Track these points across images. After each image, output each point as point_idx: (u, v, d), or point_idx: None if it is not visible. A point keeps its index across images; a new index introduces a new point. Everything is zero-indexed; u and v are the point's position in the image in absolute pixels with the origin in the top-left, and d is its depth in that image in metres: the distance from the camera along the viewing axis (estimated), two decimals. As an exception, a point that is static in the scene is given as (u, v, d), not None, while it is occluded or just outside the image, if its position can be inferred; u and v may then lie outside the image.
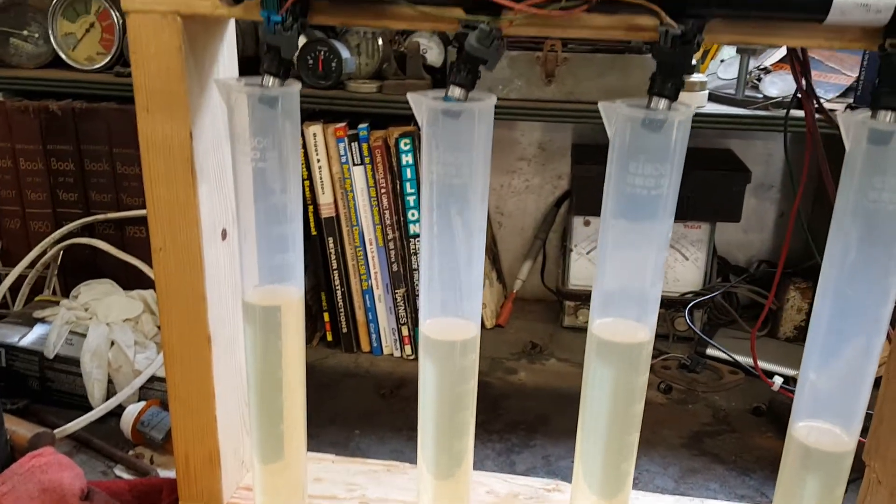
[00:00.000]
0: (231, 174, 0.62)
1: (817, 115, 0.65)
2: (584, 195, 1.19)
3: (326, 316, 1.17)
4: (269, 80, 0.56)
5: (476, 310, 0.59)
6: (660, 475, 0.90)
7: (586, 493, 0.64)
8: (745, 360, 1.14)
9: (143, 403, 0.93)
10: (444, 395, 0.60)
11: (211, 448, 0.72)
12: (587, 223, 1.22)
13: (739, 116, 1.01)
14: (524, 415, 1.01)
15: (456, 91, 0.53)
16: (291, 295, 0.61)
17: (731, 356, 1.11)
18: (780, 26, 0.51)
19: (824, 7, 0.48)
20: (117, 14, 1.11)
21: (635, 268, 0.55)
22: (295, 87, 0.56)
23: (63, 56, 1.14)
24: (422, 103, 0.53)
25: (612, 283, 0.56)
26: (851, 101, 1.04)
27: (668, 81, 0.51)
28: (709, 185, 1.14)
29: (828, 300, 0.54)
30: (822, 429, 0.58)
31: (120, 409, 0.94)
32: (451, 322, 0.59)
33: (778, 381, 0.84)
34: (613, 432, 0.60)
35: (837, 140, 0.51)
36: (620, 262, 0.55)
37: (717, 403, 1.06)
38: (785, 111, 0.96)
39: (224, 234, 0.69)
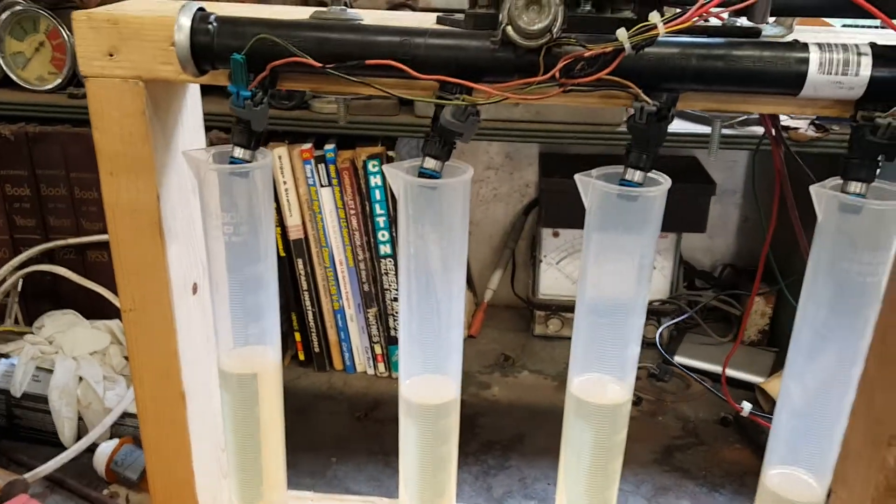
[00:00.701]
0: (201, 227, 0.61)
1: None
2: (552, 208, 1.19)
3: (298, 336, 1.16)
4: (240, 153, 0.54)
5: (456, 369, 0.59)
6: (633, 494, 0.92)
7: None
8: (712, 367, 1.17)
9: (115, 442, 0.92)
10: (426, 457, 0.60)
11: (189, 500, 0.72)
12: (556, 234, 1.22)
13: (707, 135, 1.02)
14: (499, 434, 1.02)
15: (431, 163, 0.53)
16: (268, 360, 0.60)
17: (694, 375, 1.13)
18: (753, 97, 0.52)
19: (798, 83, 0.49)
20: (67, 33, 1.08)
21: (613, 333, 0.55)
22: (267, 158, 0.55)
23: (12, 76, 1.10)
24: (398, 177, 0.52)
25: (591, 347, 0.56)
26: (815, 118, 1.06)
27: (644, 154, 0.51)
28: (675, 197, 1.15)
29: (800, 357, 0.55)
30: (792, 476, 0.59)
31: (93, 445, 0.93)
32: (431, 380, 0.59)
33: (747, 407, 0.86)
34: (594, 483, 0.61)
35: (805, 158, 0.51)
36: (598, 329, 0.55)
37: (685, 414, 1.08)
38: (754, 135, 0.97)
39: (195, 289, 0.68)
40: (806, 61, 0.48)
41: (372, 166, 1.05)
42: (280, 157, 1.06)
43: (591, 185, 0.52)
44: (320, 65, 0.48)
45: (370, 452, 0.98)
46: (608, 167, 0.54)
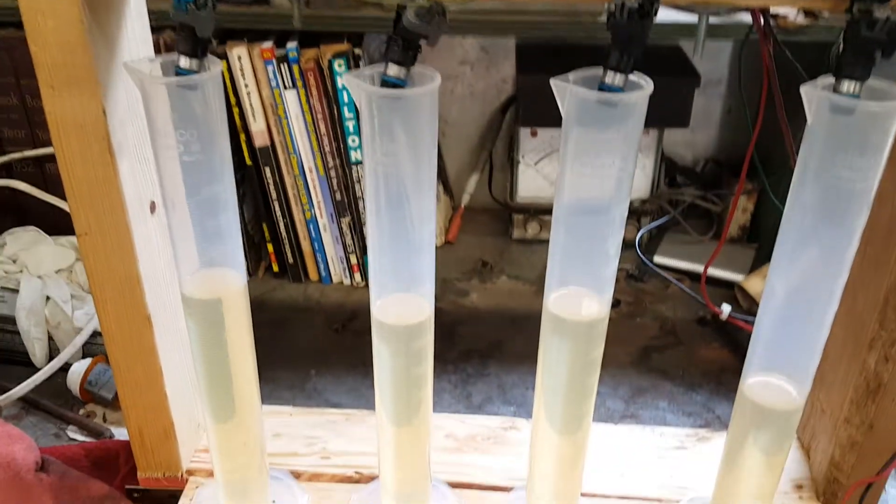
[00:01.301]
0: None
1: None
2: (530, 106, 1.14)
3: (270, 247, 1.13)
4: (187, 62, 0.50)
5: (429, 289, 0.57)
6: (610, 396, 0.92)
7: (547, 431, 0.63)
8: (692, 266, 1.16)
9: (88, 361, 0.90)
10: (400, 377, 0.59)
11: (165, 423, 0.71)
12: (534, 134, 1.18)
13: (693, 25, 0.97)
14: (478, 341, 1.01)
15: (394, 69, 0.49)
16: (233, 284, 0.58)
17: (671, 279, 1.12)
18: (742, -10, 0.48)
19: (791, -27, 0.45)
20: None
21: (592, 247, 0.53)
22: (217, 68, 0.50)
23: (-52, -23, 1.02)
24: (358, 87, 0.48)
25: (569, 258, 0.54)
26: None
27: (625, 55, 0.48)
28: (657, 91, 1.10)
29: (784, 264, 0.53)
30: (772, 385, 0.59)
31: (65, 365, 0.91)
32: (403, 299, 0.57)
33: (726, 309, 0.85)
34: (571, 397, 0.60)
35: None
36: (576, 243, 0.53)
37: (664, 314, 1.08)
38: (741, 24, 0.93)
39: (153, 207, 0.65)
40: (801, -51, 0.44)
41: (338, 66, 1.00)
42: (240, 58, 1.00)
43: (567, 91, 0.48)
44: (266, -36, 0.43)
45: (349, 364, 0.97)
46: (586, 69, 0.50)
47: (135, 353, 0.67)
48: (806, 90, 0.47)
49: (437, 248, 1.20)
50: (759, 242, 1.20)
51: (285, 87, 1.01)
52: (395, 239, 0.53)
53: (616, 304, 1.09)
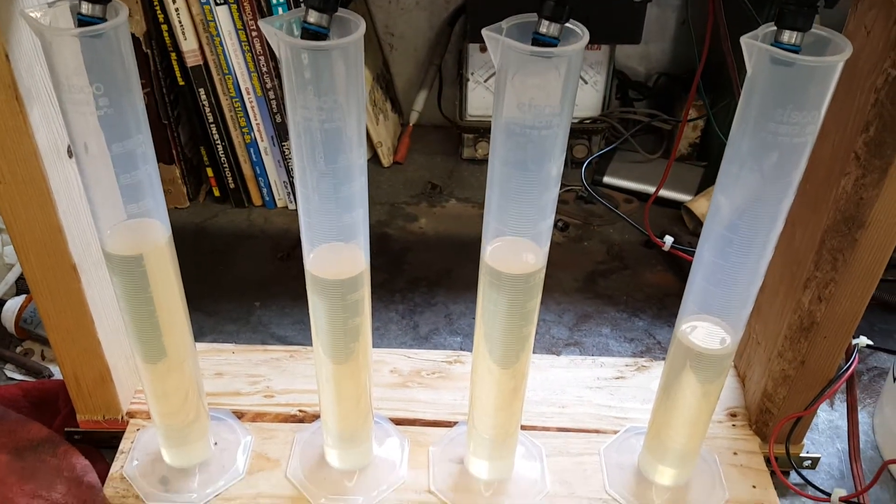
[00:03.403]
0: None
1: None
2: (479, 20, 1.09)
3: (210, 171, 1.09)
4: (89, 8, 0.46)
5: (364, 242, 0.55)
6: (555, 324, 0.93)
7: (487, 361, 0.63)
8: (641, 186, 1.15)
9: (22, 298, 0.87)
10: (338, 328, 0.58)
11: (100, 368, 0.70)
12: (484, 49, 1.14)
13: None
14: (426, 269, 1.01)
15: (315, 16, 0.46)
16: (156, 237, 0.55)
17: (616, 212, 1.11)
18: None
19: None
20: None
21: (528, 202, 0.51)
22: (122, 14, 0.46)
23: None
24: (275, 36, 0.45)
25: (504, 211, 0.53)
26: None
27: (560, 4, 0.45)
28: (608, 6, 1.07)
29: (719, 217, 0.53)
30: (706, 328, 0.59)
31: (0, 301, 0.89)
32: (337, 250, 0.55)
33: (668, 240, 0.85)
34: (509, 341, 0.60)
35: None
36: (515, 203, 0.51)
37: (611, 237, 1.08)
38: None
39: (70, 152, 0.61)
40: None
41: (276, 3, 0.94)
42: (167, -25, 0.93)
43: (500, 44, 0.45)
44: None
45: (294, 295, 0.96)
46: (520, 16, 0.47)
47: (63, 302, 0.65)
48: (746, 42, 0.45)
49: (385, 168, 1.19)
50: (708, 161, 1.19)
51: (216, 3, 0.95)
52: (324, 197, 0.51)
53: (564, 227, 1.09)
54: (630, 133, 1.19)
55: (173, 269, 0.58)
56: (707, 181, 1.14)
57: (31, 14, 0.45)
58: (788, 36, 0.45)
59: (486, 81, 1.17)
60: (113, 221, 0.54)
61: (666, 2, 1.23)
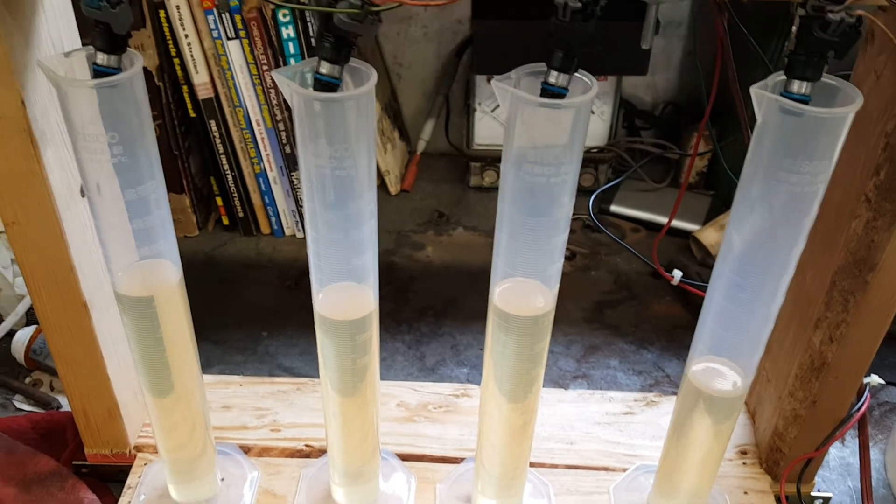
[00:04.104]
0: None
1: None
2: (485, 53, 1.10)
3: (220, 200, 1.10)
4: (104, 59, 0.46)
5: (373, 282, 0.55)
6: (563, 356, 0.93)
7: (496, 397, 0.63)
8: (648, 215, 1.15)
9: (32, 328, 0.88)
10: (346, 367, 0.58)
11: (108, 404, 0.70)
12: (490, 80, 1.14)
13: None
14: (432, 299, 1.01)
15: (327, 67, 0.46)
16: (167, 279, 0.56)
17: (621, 243, 1.11)
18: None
19: (744, -27, 0.42)
20: None
21: (537, 247, 0.51)
22: (137, 64, 0.47)
23: None
24: (287, 86, 0.45)
25: (513, 253, 0.53)
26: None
27: (569, 56, 0.45)
28: (615, 38, 1.07)
29: (729, 261, 0.53)
30: (717, 370, 0.59)
31: (10, 331, 0.89)
32: (347, 290, 0.56)
33: (677, 275, 0.85)
34: (518, 381, 0.59)
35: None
36: (525, 243, 0.51)
37: (619, 267, 1.08)
38: None
39: (83, 192, 0.62)
40: (755, -54, 0.41)
41: (282, 16, 0.95)
42: (178, 8, 0.94)
43: (509, 94, 0.46)
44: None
45: (302, 324, 0.96)
46: (530, 66, 0.48)
47: (73, 339, 0.66)
48: (756, 91, 0.46)
49: (392, 196, 1.20)
50: (716, 190, 1.19)
51: (228, 38, 0.96)
52: (334, 240, 0.51)
53: (571, 256, 1.09)
54: (639, 164, 1.20)
55: (184, 308, 0.58)
56: (714, 210, 1.14)
57: (48, 64, 0.46)
58: (798, 86, 0.46)
59: (493, 111, 1.18)
60: (125, 263, 0.54)
61: (672, 33, 1.24)
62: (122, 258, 0.54)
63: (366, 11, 0.42)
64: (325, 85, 0.46)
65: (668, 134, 1.26)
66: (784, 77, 0.46)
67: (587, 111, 0.46)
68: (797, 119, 0.45)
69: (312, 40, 0.96)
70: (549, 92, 0.46)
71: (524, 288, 0.55)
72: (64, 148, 0.58)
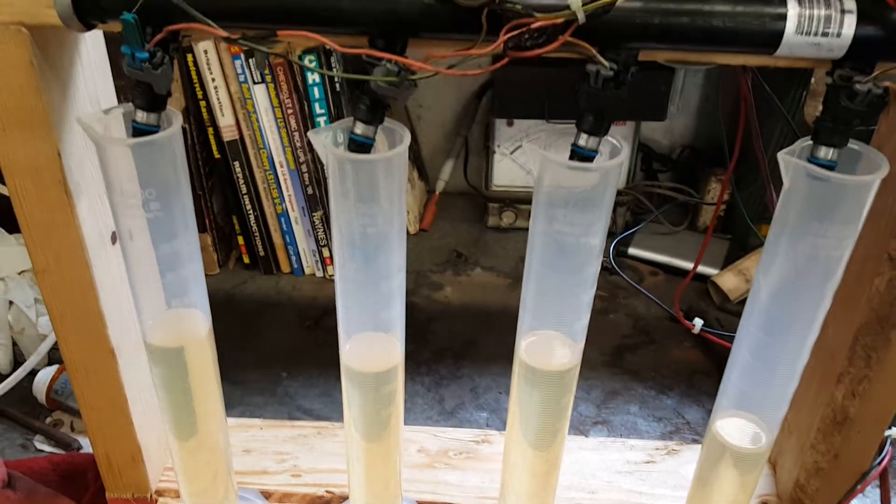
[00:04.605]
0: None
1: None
2: (505, 97, 1.12)
3: (241, 239, 1.11)
4: (143, 116, 0.48)
5: (400, 333, 0.56)
6: (583, 401, 0.93)
7: (521, 444, 0.63)
8: (666, 259, 1.16)
9: (54, 368, 0.89)
10: (370, 417, 0.59)
11: (132, 449, 0.70)
12: (510, 123, 1.16)
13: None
14: (451, 340, 1.01)
15: (362, 128, 0.47)
16: (197, 330, 0.56)
17: (639, 288, 1.12)
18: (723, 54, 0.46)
19: (772, 43, 0.43)
20: None
21: (565, 301, 0.52)
22: (176, 124, 0.48)
23: None
24: (322, 146, 0.46)
25: (540, 308, 0.53)
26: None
27: (599, 120, 0.46)
28: (634, 85, 1.09)
29: (754, 320, 0.53)
30: (742, 425, 0.59)
31: (31, 371, 0.90)
32: (374, 340, 0.56)
33: (698, 323, 0.85)
34: (542, 435, 0.60)
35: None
36: (553, 300, 0.52)
37: (637, 311, 1.08)
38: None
39: (114, 238, 0.63)
40: (783, 18, 0.42)
41: (308, 61, 0.97)
42: (206, 52, 0.96)
43: (539, 156, 0.47)
44: (225, 34, 0.41)
45: (322, 364, 0.97)
46: (559, 125, 0.49)
47: (99, 384, 0.66)
48: (783, 157, 0.46)
49: (411, 235, 1.20)
50: (734, 234, 1.19)
51: (254, 82, 0.98)
52: (363, 293, 0.52)
53: (589, 299, 1.09)
54: (659, 211, 1.20)
55: (212, 357, 0.59)
56: (732, 254, 1.15)
57: (88, 121, 0.47)
58: (825, 152, 0.46)
59: (511, 153, 1.19)
60: (155, 313, 0.55)
61: (689, 78, 1.25)
62: (153, 308, 0.55)
63: (402, 78, 0.43)
64: (360, 145, 0.47)
65: (685, 177, 1.27)
66: (811, 142, 0.47)
67: (617, 173, 0.47)
68: (823, 184, 0.46)
69: (337, 85, 0.97)
70: (579, 154, 0.47)
71: (551, 342, 0.55)
72: (97, 197, 0.59)
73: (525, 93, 1.07)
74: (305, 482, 0.76)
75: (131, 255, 0.52)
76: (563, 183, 0.47)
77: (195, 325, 0.56)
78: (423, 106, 1.28)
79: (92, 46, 0.56)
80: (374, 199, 0.47)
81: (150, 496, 0.74)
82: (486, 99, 1.24)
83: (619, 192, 1.20)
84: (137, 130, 0.48)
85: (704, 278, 1.11)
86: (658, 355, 1.00)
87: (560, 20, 0.39)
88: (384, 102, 0.46)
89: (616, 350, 1.01)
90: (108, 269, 0.62)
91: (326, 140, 0.47)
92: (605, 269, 1.15)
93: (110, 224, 0.62)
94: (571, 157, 0.47)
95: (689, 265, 1.12)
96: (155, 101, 0.47)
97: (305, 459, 0.78)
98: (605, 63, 0.43)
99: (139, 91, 0.47)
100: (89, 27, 0.46)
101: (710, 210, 1.21)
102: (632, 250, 1.17)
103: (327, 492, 0.75)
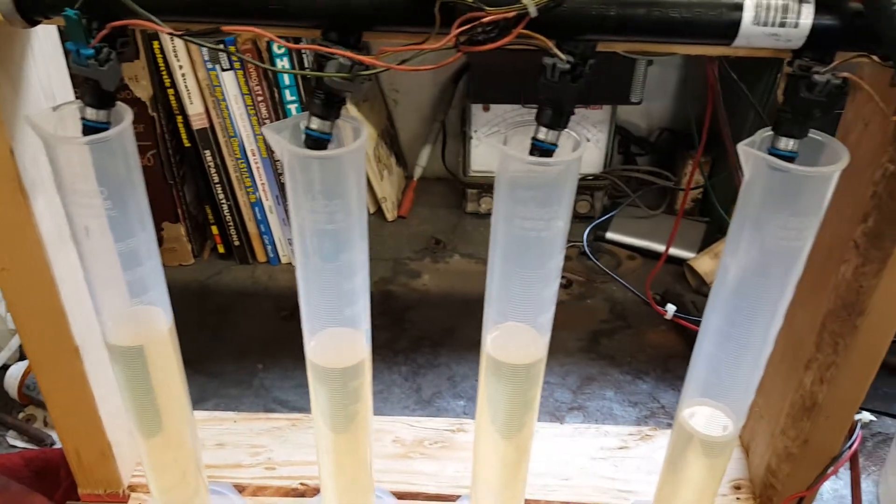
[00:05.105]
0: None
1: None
2: (480, 84, 1.11)
3: (215, 229, 1.10)
4: (93, 114, 0.46)
5: (366, 329, 0.55)
6: (559, 387, 0.93)
7: (489, 440, 0.63)
8: (644, 242, 1.16)
9: (26, 363, 0.88)
10: (338, 412, 0.58)
11: (101, 444, 0.70)
12: (486, 108, 1.15)
13: None
14: (429, 328, 1.01)
15: (317, 123, 0.46)
16: (157, 327, 0.56)
17: (613, 276, 1.12)
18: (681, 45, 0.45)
19: (729, 34, 0.43)
20: None
21: (529, 296, 0.51)
22: (127, 119, 0.47)
23: None
24: (277, 143, 0.45)
25: (504, 302, 0.53)
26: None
27: (557, 114, 0.45)
28: (609, 69, 1.08)
29: (719, 311, 0.53)
30: (709, 413, 0.59)
31: (2, 366, 0.89)
32: (339, 336, 0.56)
33: (671, 309, 0.85)
34: (511, 425, 0.60)
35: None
36: (516, 293, 0.52)
37: (614, 295, 1.08)
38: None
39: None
40: (739, 8, 0.42)
41: (277, 48, 0.95)
42: (172, 39, 0.95)
43: (499, 151, 0.46)
44: (169, 30, 0.40)
45: (298, 355, 0.93)
46: (521, 127, 0.48)
47: (65, 382, 0.65)
48: (743, 148, 0.46)
49: (389, 223, 1.20)
50: (711, 217, 1.19)
51: (222, 69, 0.96)
52: (326, 291, 0.51)
53: (567, 284, 1.09)
54: (636, 194, 1.20)
55: (174, 355, 0.58)
56: (709, 237, 1.15)
57: (36, 119, 0.46)
58: (785, 143, 0.46)
59: (488, 138, 1.18)
60: (115, 312, 0.54)
61: (667, 61, 1.24)
62: (112, 307, 0.54)
63: (354, 74, 0.43)
64: (316, 140, 0.46)
65: (664, 160, 1.27)
66: (771, 133, 0.47)
67: (577, 167, 0.46)
68: (784, 175, 0.45)
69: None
70: (539, 147, 0.47)
71: (516, 335, 0.55)
72: (55, 194, 0.58)
73: (501, 78, 1.06)
74: (279, 475, 0.76)
75: (87, 254, 0.51)
76: (522, 177, 0.47)
77: (156, 323, 0.56)
78: (400, 91, 1.27)
79: (44, 38, 0.54)
80: (331, 195, 0.47)
81: (123, 492, 0.74)
82: (463, 83, 1.23)
83: (596, 177, 1.20)
84: (87, 128, 0.47)
85: (681, 262, 1.11)
86: (634, 340, 1.00)
87: (512, 14, 0.38)
88: (339, 97, 0.46)
89: (593, 335, 1.01)
90: (69, 267, 0.61)
91: (282, 136, 0.46)
92: (583, 255, 1.14)
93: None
94: (532, 151, 0.47)
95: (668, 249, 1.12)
96: (103, 98, 0.46)
97: (280, 452, 0.78)
98: (562, 56, 0.42)
99: (87, 88, 0.46)
100: (33, 23, 0.44)
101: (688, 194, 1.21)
102: (609, 234, 1.16)
103: (301, 484, 0.75)
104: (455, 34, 0.40)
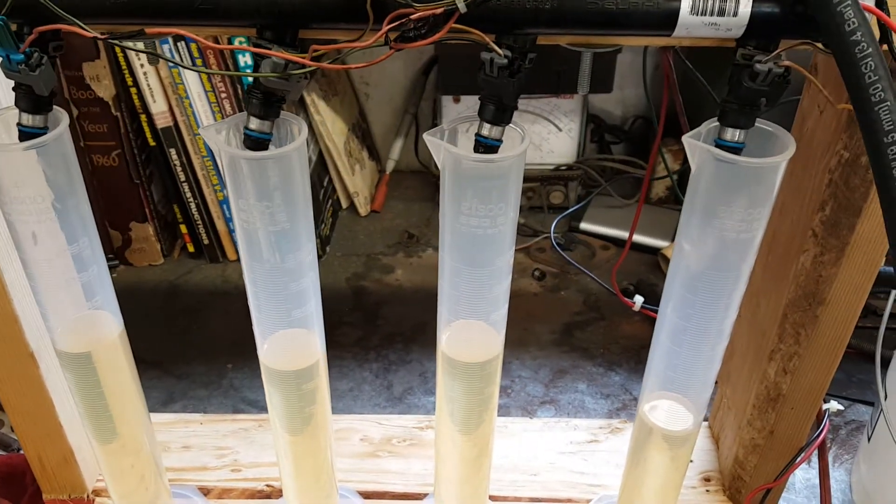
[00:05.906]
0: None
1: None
2: (450, 75, 1.10)
3: (184, 228, 1.09)
4: (29, 119, 0.45)
5: (319, 328, 0.55)
6: (531, 380, 0.93)
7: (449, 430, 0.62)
8: (618, 232, 1.15)
9: (-10, 369, 0.87)
10: (294, 415, 0.58)
11: (63, 449, 0.69)
12: (457, 100, 1.14)
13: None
14: (401, 324, 1.00)
15: (256, 123, 0.45)
16: (107, 333, 0.55)
17: (581, 270, 1.11)
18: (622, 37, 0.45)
19: (668, 24, 0.42)
20: None
21: (480, 295, 0.51)
22: (62, 124, 0.46)
23: None
24: (215, 142, 0.45)
25: (456, 302, 0.52)
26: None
27: (499, 109, 0.45)
28: (579, 58, 1.07)
29: (672, 305, 0.52)
30: (669, 406, 0.59)
31: (-32, 371, 0.88)
32: (293, 336, 0.55)
33: (638, 300, 0.84)
34: (469, 423, 0.59)
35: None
36: (466, 291, 0.51)
37: (588, 286, 1.07)
38: None
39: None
40: (677, -1, 0.41)
41: (238, 42, 0.94)
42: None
43: (441, 148, 0.45)
44: (92, 34, 0.39)
45: (267, 354, 0.95)
46: (462, 118, 0.47)
47: (23, 388, 0.65)
48: (688, 141, 0.45)
49: (362, 217, 1.19)
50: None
51: (184, 67, 0.95)
52: (274, 294, 0.50)
53: (541, 276, 1.08)
54: (607, 183, 1.19)
55: (126, 360, 0.58)
56: (684, 226, 1.14)
57: (-30, 126, 0.45)
58: (731, 133, 0.45)
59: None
60: (62, 318, 0.53)
61: (639, 49, 1.24)
62: (59, 314, 0.53)
63: (286, 74, 0.42)
64: (255, 141, 0.46)
65: (638, 148, 1.26)
66: (717, 124, 0.46)
67: (521, 162, 0.45)
68: (730, 167, 0.45)
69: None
70: (483, 144, 0.46)
71: (471, 333, 0.54)
72: (2, 200, 0.57)
73: (470, 69, 1.04)
74: (245, 477, 0.75)
75: (30, 261, 0.50)
76: (466, 174, 0.46)
77: (105, 328, 0.55)
78: (370, 84, 1.25)
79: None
80: (272, 196, 0.46)
81: (87, 496, 0.73)
82: (434, 74, 1.22)
83: (569, 167, 1.19)
84: (24, 133, 0.46)
85: (655, 251, 1.11)
86: (608, 331, 1.00)
87: (440, 10, 0.38)
88: (278, 96, 0.45)
89: (566, 328, 1.00)
90: (20, 272, 0.60)
91: (221, 136, 0.45)
92: (557, 245, 1.14)
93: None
94: (476, 148, 0.46)
95: (640, 238, 1.11)
96: (39, 103, 0.45)
97: (246, 454, 0.77)
98: (499, 51, 0.42)
99: (21, 93, 0.45)
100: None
101: (661, 183, 1.20)
102: (584, 225, 1.16)
103: (267, 485, 0.74)
104: (385, 31, 0.39)
